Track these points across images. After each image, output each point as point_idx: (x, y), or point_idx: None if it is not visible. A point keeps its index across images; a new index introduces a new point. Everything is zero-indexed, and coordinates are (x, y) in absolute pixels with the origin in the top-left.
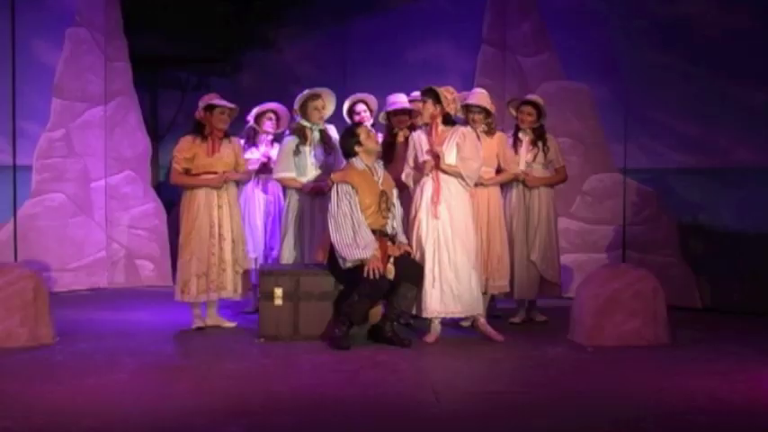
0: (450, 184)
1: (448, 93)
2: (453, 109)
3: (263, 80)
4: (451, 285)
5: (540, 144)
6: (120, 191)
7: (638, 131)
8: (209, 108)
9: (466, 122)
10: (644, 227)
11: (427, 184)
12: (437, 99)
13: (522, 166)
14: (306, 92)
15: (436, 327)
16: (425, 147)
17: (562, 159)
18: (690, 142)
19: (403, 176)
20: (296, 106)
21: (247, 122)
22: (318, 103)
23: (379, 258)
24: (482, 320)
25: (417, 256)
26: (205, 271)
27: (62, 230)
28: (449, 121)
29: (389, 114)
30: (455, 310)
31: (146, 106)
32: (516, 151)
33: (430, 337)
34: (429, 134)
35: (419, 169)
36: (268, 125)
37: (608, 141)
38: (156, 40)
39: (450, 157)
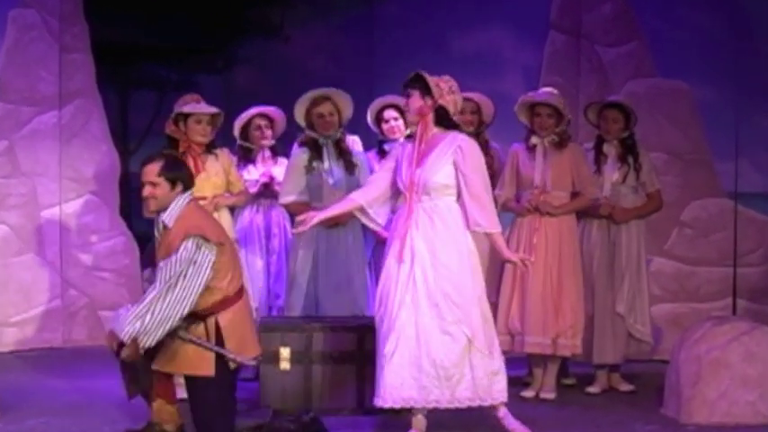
0: (434, 214)
1: (442, 82)
2: (451, 103)
3: (264, 77)
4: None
5: (630, 160)
6: (79, 221)
7: (752, 144)
8: (181, 118)
9: (531, 131)
10: (760, 268)
11: (401, 215)
12: (426, 89)
13: (606, 190)
14: (303, 97)
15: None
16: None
17: (657, 181)
18: None
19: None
20: (297, 118)
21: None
22: (324, 108)
23: None
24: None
25: (382, 318)
26: None
27: (3, 272)
28: (444, 121)
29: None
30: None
31: (113, 111)
32: (599, 169)
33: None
34: (414, 141)
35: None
36: (259, 136)
37: (714, 157)
38: (127, 25)
39: (437, 174)
